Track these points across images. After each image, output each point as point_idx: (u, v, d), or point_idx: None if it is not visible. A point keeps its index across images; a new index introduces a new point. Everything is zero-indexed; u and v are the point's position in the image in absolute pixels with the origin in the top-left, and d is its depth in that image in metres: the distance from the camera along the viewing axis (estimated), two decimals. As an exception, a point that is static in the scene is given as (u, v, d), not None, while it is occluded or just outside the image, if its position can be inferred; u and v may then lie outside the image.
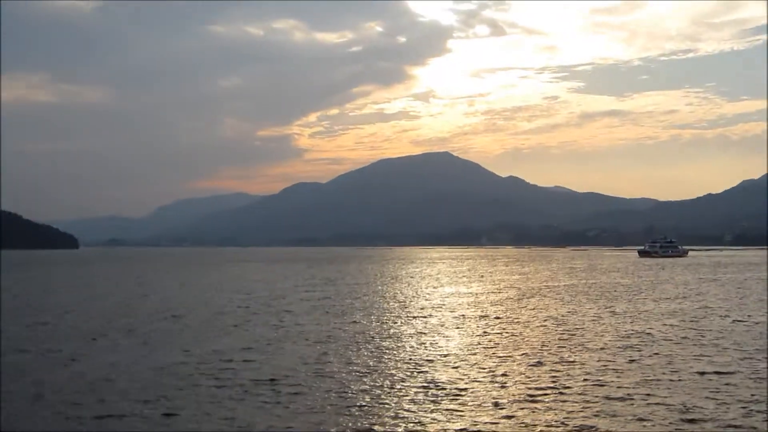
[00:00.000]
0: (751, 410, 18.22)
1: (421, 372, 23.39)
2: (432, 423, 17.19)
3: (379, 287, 67.45)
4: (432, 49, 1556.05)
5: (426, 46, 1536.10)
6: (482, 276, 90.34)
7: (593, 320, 38.46)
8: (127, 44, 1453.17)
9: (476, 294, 58.36)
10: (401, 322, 37.79)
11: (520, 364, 24.93)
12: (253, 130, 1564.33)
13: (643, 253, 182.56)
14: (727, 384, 21.38)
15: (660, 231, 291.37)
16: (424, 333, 33.42)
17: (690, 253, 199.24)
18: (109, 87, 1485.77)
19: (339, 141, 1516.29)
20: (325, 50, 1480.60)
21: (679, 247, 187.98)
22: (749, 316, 40.60)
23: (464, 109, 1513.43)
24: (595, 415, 17.71)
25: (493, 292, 60.21)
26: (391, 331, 34.19)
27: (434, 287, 67.77)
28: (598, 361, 25.36)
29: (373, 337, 31.60)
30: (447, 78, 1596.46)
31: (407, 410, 18.30)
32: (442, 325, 36.35)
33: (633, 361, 25.37)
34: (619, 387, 20.94)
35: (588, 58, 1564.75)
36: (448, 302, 50.50)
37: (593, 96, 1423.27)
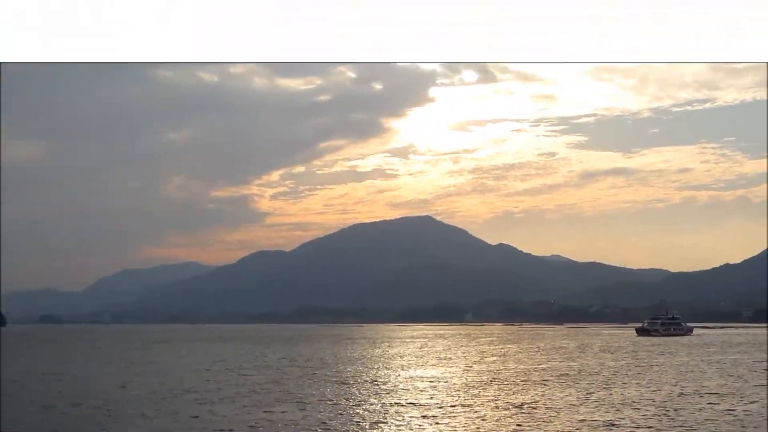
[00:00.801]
0: None
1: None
2: None
3: (329, 372, 66.61)
4: (412, 97, 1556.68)
5: (405, 95, 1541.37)
6: (453, 357, 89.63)
7: (559, 408, 38.12)
8: (57, 93, 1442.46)
9: (438, 378, 57.85)
10: (336, 412, 37.18)
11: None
12: (205, 190, 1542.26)
13: (641, 331, 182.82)
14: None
15: (672, 306, 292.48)
16: (357, 424, 32.83)
17: (697, 330, 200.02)
18: (37, 143, 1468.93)
19: (305, 203, 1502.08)
20: (289, 99, 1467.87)
21: (683, 324, 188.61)
22: (741, 404, 40.46)
23: (448, 167, 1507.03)
24: None
25: (457, 376, 59.74)
26: (320, 421, 33.63)
27: (393, 371, 67.00)
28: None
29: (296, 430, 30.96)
30: (429, 131, 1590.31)
31: None
32: (382, 414, 35.83)
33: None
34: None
35: (590, 109, 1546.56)
36: (401, 388, 50.04)
37: (596, 152, 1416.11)
